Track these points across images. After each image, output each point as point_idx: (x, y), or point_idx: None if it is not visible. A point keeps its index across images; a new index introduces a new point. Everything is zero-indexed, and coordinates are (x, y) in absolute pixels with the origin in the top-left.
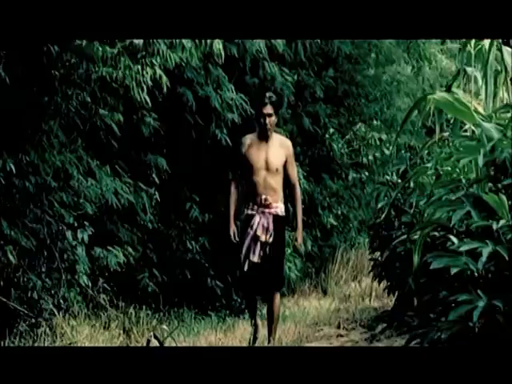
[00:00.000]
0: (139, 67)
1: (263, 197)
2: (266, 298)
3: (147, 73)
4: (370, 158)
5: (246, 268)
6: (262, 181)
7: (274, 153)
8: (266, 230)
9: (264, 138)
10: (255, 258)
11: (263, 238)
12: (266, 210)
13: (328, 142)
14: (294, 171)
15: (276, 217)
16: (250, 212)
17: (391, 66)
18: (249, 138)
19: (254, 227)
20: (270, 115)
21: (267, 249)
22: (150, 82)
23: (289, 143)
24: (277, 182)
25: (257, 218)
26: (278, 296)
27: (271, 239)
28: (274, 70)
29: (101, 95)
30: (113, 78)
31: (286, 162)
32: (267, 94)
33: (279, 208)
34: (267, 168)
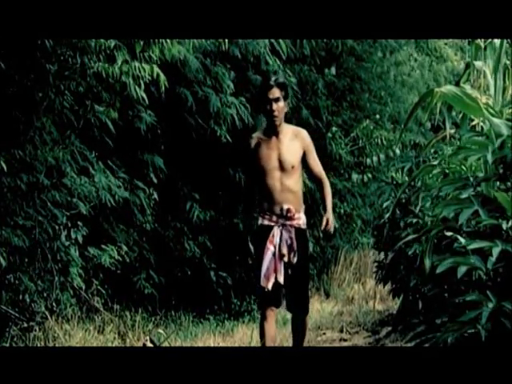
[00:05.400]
0: (137, 64)
1: (285, 207)
2: (292, 321)
3: (145, 70)
4: (375, 158)
5: (270, 287)
6: (278, 184)
7: (288, 147)
8: (290, 247)
9: (273, 131)
10: (281, 279)
11: (287, 259)
12: (288, 223)
13: (329, 140)
14: (318, 163)
15: (298, 230)
16: (266, 223)
17: (396, 60)
18: (255, 137)
19: (276, 242)
20: (276, 100)
21: (291, 270)
22: (148, 77)
23: (304, 132)
24: (295, 182)
25: (277, 232)
26: (306, 320)
27: (295, 259)
28: (277, 63)
29: (96, 91)
30: (109, 73)
31: (304, 154)
32: (273, 77)
33: (302, 220)
34: (281, 167)
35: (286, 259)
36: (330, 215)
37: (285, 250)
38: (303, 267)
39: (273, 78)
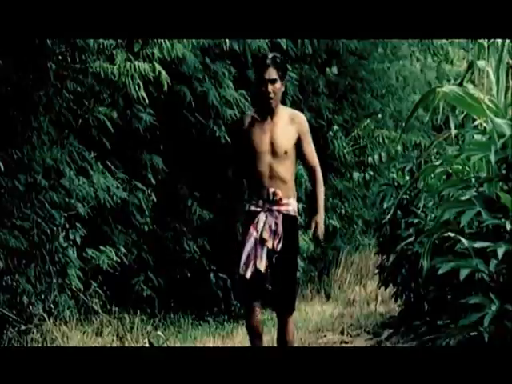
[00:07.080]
0: (137, 63)
1: (271, 190)
2: (278, 323)
3: (145, 69)
4: (376, 157)
5: (249, 275)
6: (267, 169)
7: (282, 131)
8: (274, 233)
9: (267, 112)
10: (262, 267)
11: (270, 245)
12: (275, 208)
13: (330, 140)
14: (312, 151)
15: (287, 217)
16: (253, 208)
17: (397, 58)
18: (249, 116)
19: (260, 228)
20: (273, 81)
21: (275, 259)
22: (152, 74)
23: (301, 117)
24: (286, 168)
25: (262, 217)
26: (291, 322)
27: (279, 246)
28: None
29: (96, 90)
30: (108, 72)
31: (298, 140)
32: (269, 55)
33: (291, 206)
34: (273, 152)
35: (269, 245)
36: (320, 217)
37: (267, 235)
38: (289, 256)
39: (269, 57)
